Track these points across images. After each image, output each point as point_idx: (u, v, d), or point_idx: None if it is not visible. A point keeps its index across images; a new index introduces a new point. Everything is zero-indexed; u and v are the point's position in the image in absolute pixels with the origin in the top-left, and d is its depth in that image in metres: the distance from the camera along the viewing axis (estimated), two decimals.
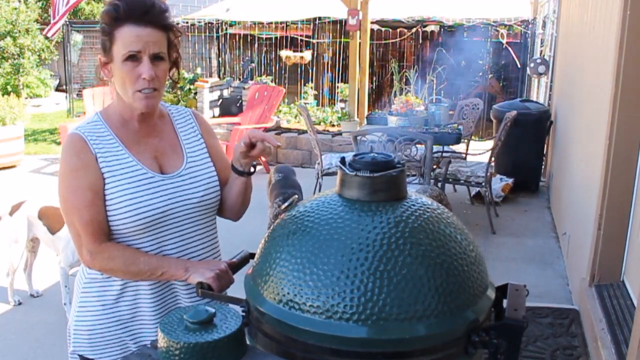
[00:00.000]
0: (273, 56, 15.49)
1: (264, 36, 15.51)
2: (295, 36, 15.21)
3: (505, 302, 1.60)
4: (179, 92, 12.19)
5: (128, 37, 2.00)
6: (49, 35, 11.65)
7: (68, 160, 2.09)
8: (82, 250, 2.09)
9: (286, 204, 1.74)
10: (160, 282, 2.17)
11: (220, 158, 2.36)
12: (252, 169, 2.23)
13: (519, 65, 12.91)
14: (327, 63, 14.95)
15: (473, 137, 9.68)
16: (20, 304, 5.28)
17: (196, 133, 2.33)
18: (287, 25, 15.10)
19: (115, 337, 2.20)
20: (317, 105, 13.11)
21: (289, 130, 11.16)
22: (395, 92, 12.00)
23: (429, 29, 14.48)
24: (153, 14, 2.02)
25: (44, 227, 5.02)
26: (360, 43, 11.19)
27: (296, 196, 1.78)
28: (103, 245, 2.07)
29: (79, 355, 2.23)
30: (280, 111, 11.91)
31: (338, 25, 14.25)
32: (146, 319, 2.20)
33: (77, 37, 16.71)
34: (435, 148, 7.31)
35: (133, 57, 2.02)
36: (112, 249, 2.08)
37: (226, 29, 15.08)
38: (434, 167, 7.06)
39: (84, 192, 2.05)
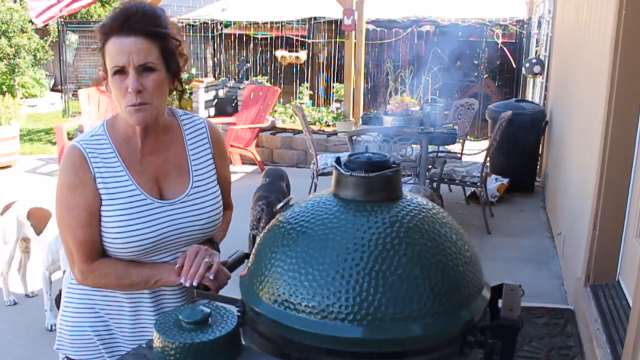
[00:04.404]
0: (268, 56, 15.49)
1: (259, 36, 15.50)
2: (291, 36, 15.20)
3: (500, 302, 1.60)
4: (174, 92, 12.15)
5: (112, 50, 1.93)
6: (36, 20, 11.40)
7: (66, 176, 2.02)
8: (74, 268, 2.06)
9: (281, 204, 1.73)
10: (136, 296, 2.13)
11: (225, 181, 2.29)
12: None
13: (514, 65, 12.93)
14: (323, 63, 14.94)
15: (468, 137, 9.70)
16: (15, 304, 5.27)
17: (207, 152, 2.22)
18: (282, 25, 15.10)
19: (92, 342, 2.17)
20: (313, 105, 13.10)
21: (284, 130, 11.15)
22: (390, 92, 12.01)
23: (424, 29, 14.48)
24: (135, 20, 1.93)
25: (31, 228, 5.02)
26: (355, 43, 11.19)
27: (291, 197, 1.78)
28: (94, 265, 2.03)
29: (62, 354, 2.22)
30: (275, 111, 11.91)
31: (333, 25, 14.25)
32: (124, 329, 2.17)
33: (72, 37, 16.68)
34: (431, 148, 7.32)
35: (120, 71, 1.94)
36: (103, 266, 2.04)
37: (221, 29, 15.08)
38: (429, 167, 7.06)
39: (80, 212, 1.99)
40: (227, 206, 2.36)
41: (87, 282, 2.07)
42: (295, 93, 13.79)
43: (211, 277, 1.93)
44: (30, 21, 15.82)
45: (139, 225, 2.02)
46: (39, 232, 4.96)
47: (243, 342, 1.51)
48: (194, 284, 1.91)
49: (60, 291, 4.55)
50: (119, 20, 1.93)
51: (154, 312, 2.15)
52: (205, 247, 2.04)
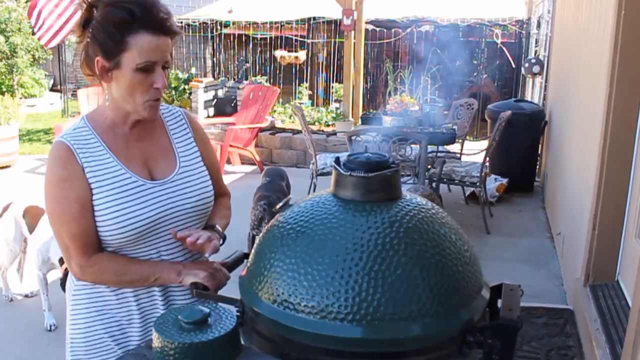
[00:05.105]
0: (268, 56, 15.50)
1: (259, 36, 15.51)
2: (290, 36, 15.21)
3: (500, 302, 1.60)
4: (173, 92, 12.17)
5: (146, 46, 1.91)
6: (47, 45, 11.37)
7: (54, 171, 2.02)
8: (71, 263, 2.04)
9: (280, 204, 1.73)
10: (145, 292, 2.13)
11: (212, 167, 2.29)
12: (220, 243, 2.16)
13: (513, 65, 12.93)
14: (322, 63, 14.95)
15: (467, 137, 9.70)
16: (11, 300, 5.27)
17: (189, 136, 2.25)
18: (281, 26, 15.11)
19: (106, 344, 2.15)
20: (312, 105, 13.10)
21: (283, 130, 11.15)
22: (389, 92, 12.01)
23: (423, 29, 14.49)
24: (170, 22, 1.95)
25: (25, 226, 5.02)
26: (354, 43, 11.19)
27: (290, 197, 1.78)
28: (93, 259, 2.02)
29: None
30: (274, 111, 11.91)
31: (333, 25, 14.25)
32: (135, 326, 2.15)
33: (72, 38, 16.67)
34: (430, 148, 7.31)
35: (147, 67, 1.94)
36: (102, 262, 2.03)
37: (221, 29, 15.08)
38: (429, 167, 7.06)
39: (71, 205, 1.99)
40: (222, 193, 2.38)
41: (85, 277, 2.07)
42: (295, 93, 13.79)
43: (207, 255, 1.97)
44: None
45: (135, 206, 2.03)
46: (31, 230, 4.96)
47: (242, 342, 1.51)
48: (198, 242, 1.97)
49: (66, 273, 4.49)
50: (156, 19, 1.93)
51: (166, 309, 2.15)
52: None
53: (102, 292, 2.12)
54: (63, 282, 4.38)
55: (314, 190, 7.47)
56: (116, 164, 2.05)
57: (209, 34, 15.09)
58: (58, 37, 10.51)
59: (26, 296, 5.43)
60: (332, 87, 13.86)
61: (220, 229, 2.22)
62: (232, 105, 11.82)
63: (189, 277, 1.99)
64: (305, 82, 14.06)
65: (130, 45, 1.91)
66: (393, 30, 14.18)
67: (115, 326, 2.15)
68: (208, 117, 11.76)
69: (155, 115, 2.07)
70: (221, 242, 2.14)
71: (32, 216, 5.00)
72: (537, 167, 9.12)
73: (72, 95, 14.68)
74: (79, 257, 2.02)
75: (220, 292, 1.92)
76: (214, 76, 14.75)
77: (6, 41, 15.26)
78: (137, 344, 2.14)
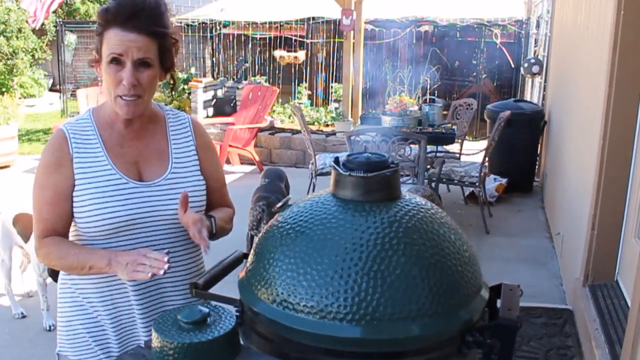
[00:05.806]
0: (267, 56, 15.49)
1: (258, 36, 15.51)
2: (289, 36, 15.20)
3: (499, 302, 1.60)
4: (172, 92, 12.16)
5: (112, 40, 1.98)
6: (36, 26, 11.44)
7: (45, 155, 2.10)
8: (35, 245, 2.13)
9: (280, 204, 1.73)
10: (120, 295, 2.15)
11: (214, 176, 2.29)
12: (213, 231, 2.13)
13: (512, 65, 12.93)
14: (321, 63, 14.94)
15: (467, 137, 9.70)
16: (24, 317, 5.21)
17: (190, 143, 2.25)
18: (281, 26, 15.10)
19: (84, 340, 2.19)
20: (311, 105, 13.09)
21: (282, 130, 11.15)
22: (389, 92, 12.00)
23: (422, 29, 14.48)
24: (140, 18, 1.97)
25: (18, 235, 4.96)
26: (354, 43, 11.18)
27: (290, 197, 1.78)
28: (43, 241, 2.08)
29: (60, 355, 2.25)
30: (274, 111, 11.90)
31: (332, 25, 14.24)
32: (109, 326, 2.18)
33: (71, 38, 16.68)
34: (429, 148, 7.32)
35: (116, 61, 1.99)
36: (49, 244, 2.08)
37: (220, 29, 15.07)
38: (428, 167, 7.06)
39: (47, 190, 2.06)
40: (225, 205, 2.37)
41: (39, 260, 2.13)
42: (294, 93, 13.78)
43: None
44: (27, 21, 15.80)
45: (113, 203, 2.06)
46: (26, 238, 4.89)
47: (241, 342, 1.51)
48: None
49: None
50: (124, 14, 1.97)
51: (142, 311, 2.16)
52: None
53: (82, 290, 2.17)
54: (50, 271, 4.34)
55: (313, 190, 7.47)
56: (105, 160, 2.10)
57: (208, 34, 15.08)
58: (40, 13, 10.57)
59: (25, 296, 5.42)
60: (332, 87, 13.85)
61: (214, 221, 2.16)
62: (232, 105, 11.82)
63: (118, 266, 1.94)
64: (304, 82, 14.05)
65: (104, 39, 2.01)
66: (392, 30, 14.17)
67: (92, 324, 2.19)
68: (207, 117, 11.76)
69: (129, 114, 2.07)
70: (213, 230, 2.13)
71: (23, 224, 4.91)
72: (537, 167, 9.13)
73: (71, 95, 14.69)
74: (36, 240, 2.10)
75: (220, 292, 1.91)
76: (213, 76, 14.74)
77: (7, 42, 15.26)
78: (116, 345, 2.19)
